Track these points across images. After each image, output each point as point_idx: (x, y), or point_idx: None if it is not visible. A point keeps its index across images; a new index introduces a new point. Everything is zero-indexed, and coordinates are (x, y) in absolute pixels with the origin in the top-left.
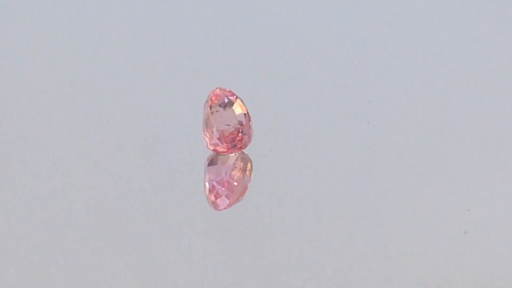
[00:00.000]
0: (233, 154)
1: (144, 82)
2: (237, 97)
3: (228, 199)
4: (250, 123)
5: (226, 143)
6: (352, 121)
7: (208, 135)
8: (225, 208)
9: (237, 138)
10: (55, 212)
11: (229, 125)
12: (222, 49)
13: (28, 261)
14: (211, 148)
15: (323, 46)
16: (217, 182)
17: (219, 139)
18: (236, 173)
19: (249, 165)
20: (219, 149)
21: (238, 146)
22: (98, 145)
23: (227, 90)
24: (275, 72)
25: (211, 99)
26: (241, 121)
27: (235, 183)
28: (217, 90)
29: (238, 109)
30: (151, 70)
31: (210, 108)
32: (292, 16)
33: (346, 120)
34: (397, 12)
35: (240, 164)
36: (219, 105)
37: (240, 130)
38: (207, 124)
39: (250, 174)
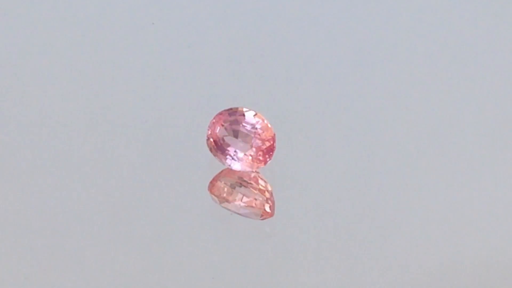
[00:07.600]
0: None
1: (144, 79)
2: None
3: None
4: (254, 161)
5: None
6: (353, 121)
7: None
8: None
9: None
10: (55, 210)
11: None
12: (223, 47)
13: (28, 259)
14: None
15: (322, 44)
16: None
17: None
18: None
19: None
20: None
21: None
22: (99, 143)
23: (256, 118)
24: (275, 71)
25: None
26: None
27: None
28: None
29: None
30: (153, 64)
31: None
32: (297, 14)
33: (346, 119)
34: (397, 12)
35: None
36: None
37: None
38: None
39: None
